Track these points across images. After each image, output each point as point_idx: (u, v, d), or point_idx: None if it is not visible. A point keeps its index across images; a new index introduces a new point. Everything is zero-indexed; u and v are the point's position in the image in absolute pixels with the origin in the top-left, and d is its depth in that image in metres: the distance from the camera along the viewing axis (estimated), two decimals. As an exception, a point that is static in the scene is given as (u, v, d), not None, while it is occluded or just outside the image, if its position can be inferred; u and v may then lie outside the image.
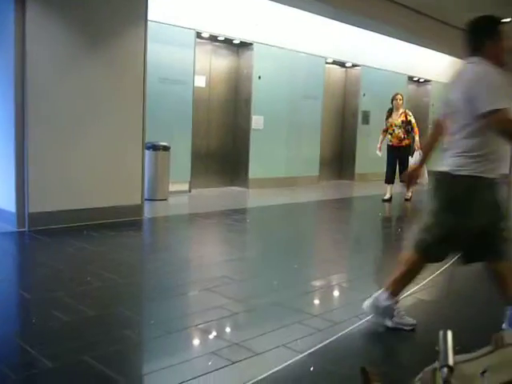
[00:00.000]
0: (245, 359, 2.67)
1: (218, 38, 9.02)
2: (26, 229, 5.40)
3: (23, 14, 5.22)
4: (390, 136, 8.68)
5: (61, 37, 5.50)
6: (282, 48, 9.72)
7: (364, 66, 11.67)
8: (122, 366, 2.67)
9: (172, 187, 7.87)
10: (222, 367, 2.58)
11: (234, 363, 2.63)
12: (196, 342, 3.07)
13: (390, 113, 8.76)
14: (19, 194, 5.38)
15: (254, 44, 9.30)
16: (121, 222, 5.93)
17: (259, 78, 9.45)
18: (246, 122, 9.50)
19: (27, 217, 5.40)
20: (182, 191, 8.32)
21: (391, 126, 8.63)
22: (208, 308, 3.48)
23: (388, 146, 8.80)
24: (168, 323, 3.19)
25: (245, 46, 9.36)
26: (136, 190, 6.22)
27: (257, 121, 9.50)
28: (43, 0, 5.32)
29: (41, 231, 5.33)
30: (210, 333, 3.10)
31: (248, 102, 9.47)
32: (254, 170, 9.53)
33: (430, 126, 13.85)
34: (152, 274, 4.29)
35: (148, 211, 6.51)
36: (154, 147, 7.39)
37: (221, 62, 9.43)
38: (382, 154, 8.83)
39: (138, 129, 6.16)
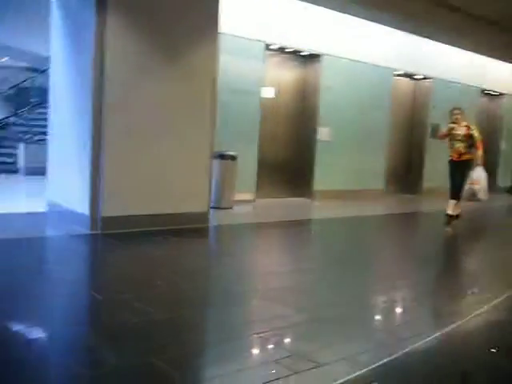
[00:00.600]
0: (308, 370, 2.68)
1: (287, 50, 9.11)
2: (99, 232, 5.63)
3: (103, 27, 5.47)
4: (450, 150, 8.21)
5: (138, 49, 5.73)
6: (350, 59, 9.69)
7: (435, 78, 11.45)
8: (186, 370, 2.74)
9: (237, 196, 7.99)
10: (285, 376, 2.60)
11: (296, 373, 2.64)
12: (258, 349, 3.11)
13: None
14: (93, 199, 5.62)
15: (322, 56, 9.33)
16: (187, 229, 6.07)
17: (328, 89, 9.46)
18: (313, 133, 9.53)
19: (100, 220, 5.63)
20: (246, 200, 8.42)
21: (453, 136, 8.09)
22: (271, 317, 3.51)
23: (449, 160, 8.33)
24: (232, 329, 3.26)
25: (313, 57, 9.41)
26: (203, 197, 6.36)
27: (323, 132, 9.51)
28: (123, 14, 5.57)
29: (112, 234, 5.54)
30: (273, 342, 3.13)
31: (315, 113, 9.49)
32: (319, 182, 9.52)
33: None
34: (217, 281, 4.38)
35: (213, 219, 6.63)
36: (222, 156, 7.54)
37: (289, 74, 9.51)
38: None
39: (207, 138, 6.32)
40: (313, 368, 2.71)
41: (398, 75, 11.05)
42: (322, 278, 4.74)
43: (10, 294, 3.77)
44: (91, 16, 5.49)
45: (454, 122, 8.16)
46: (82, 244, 5.45)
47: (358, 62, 9.85)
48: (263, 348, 3.09)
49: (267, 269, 4.95)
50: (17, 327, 3.18)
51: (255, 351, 3.09)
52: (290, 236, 6.61)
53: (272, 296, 3.93)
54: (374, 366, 2.78)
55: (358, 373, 2.69)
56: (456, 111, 8.19)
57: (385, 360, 2.86)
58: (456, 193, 8.03)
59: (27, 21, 17.55)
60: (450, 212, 8.09)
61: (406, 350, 3.04)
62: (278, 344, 3.10)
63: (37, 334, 3.15)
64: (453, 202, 8.12)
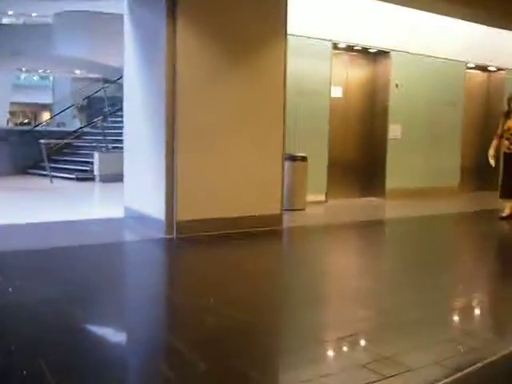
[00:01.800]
0: (398, 374, 2.60)
1: (355, 48, 8.97)
2: (174, 236, 5.72)
3: (174, 34, 5.57)
4: (506, 142, 7.64)
5: (208, 52, 5.80)
6: (420, 54, 9.43)
7: (509, 69, 10.96)
8: (271, 374, 2.72)
9: (309, 197, 7.93)
10: (375, 381, 2.53)
11: (386, 378, 2.57)
12: (343, 353, 3.04)
13: (506, 116, 7.73)
14: (168, 203, 5.72)
15: (391, 52, 9.13)
16: (261, 231, 6.07)
17: (396, 86, 9.26)
18: (383, 132, 9.33)
19: (175, 224, 5.73)
20: (318, 201, 8.35)
21: (508, 130, 7.59)
22: (353, 319, 3.44)
23: (504, 154, 7.80)
24: (314, 332, 3.21)
25: (382, 54, 9.22)
26: (276, 200, 6.35)
27: (394, 130, 9.29)
28: (193, 20, 5.65)
29: (187, 238, 5.62)
30: (358, 345, 3.06)
31: (385, 110, 9.30)
32: (391, 180, 9.31)
33: None
34: (295, 283, 4.34)
35: (286, 221, 6.60)
36: (292, 158, 7.51)
37: (357, 72, 9.36)
38: (495, 162, 7.86)
39: (278, 140, 6.30)
40: (404, 372, 2.62)
41: (470, 68, 10.65)
42: (401, 279, 4.61)
43: (92, 298, 3.88)
44: (162, 24, 5.60)
45: (509, 112, 7.66)
46: (158, 248, 5.56)
47: (429, 56, 9.56)
48: (349, 351, 3.03)
49: (344, 270, 4.87)
50: (102, 331, 3.27)
51: (341, 355, 3.03)
52: (365, 237, 6.49)
53: (352, 298, 3.86)
54: (467, 371, 2.66)
55: (452, 377, 2.59)
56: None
57: (479, 364, 2.73)
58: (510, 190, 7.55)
59: (98, 34, 18.25)
60: (505, 213, 7.58)
61: (500, 354, 2.90)
62: (364, 347, 3.03)
63: (121, 337, 3.22)
64: (507, 201, 7.60)
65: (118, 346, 3.10)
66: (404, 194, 9.31)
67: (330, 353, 3.03)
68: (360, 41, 8.80)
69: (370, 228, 6.80)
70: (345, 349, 3.06)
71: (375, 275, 4.70)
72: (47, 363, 2.62)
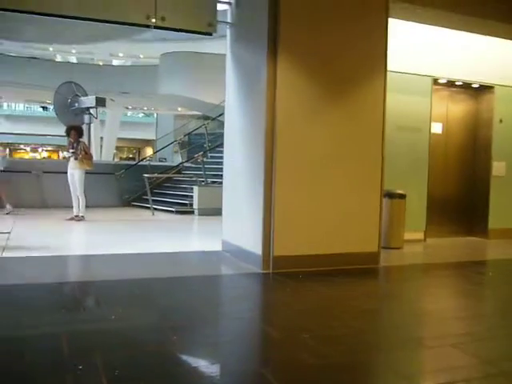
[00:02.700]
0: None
1: (456, 83, 8.76)
2: (270, 271, 5.77)
3: (274, 68, 5.73)
4: None
5: (308, 88, 5.89)
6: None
7: None
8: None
9: (407, 236, 7.73)
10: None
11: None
12: (445, 400, 2.92)
13: None
14: (265, 238, 5.79)
15: (495, 87, 8.82)
16: (357, 269, 5.98)
17: (500, 121, 8.91)
18: (486, 169, 8.96)
19: (272, 260, 5.78)
20: (416, 240, 8.12)
21: None
22: (454, 366, 3.29)
23: None
24: (412, 377, 3.10)
25: (484, 89, 8.93)
26: (373, 237, 6.25)
27: (498, 167, 8.91)
28: (293, 55, 5.79)
29: (283, 273, 5.64)
30: (460, 393, 2.92)
31: (488, 147, 8.95)
32: (495, 220, 8.88)
33: None
34: (392, 324, 4.22)
35: (383, 259, 6.46)
36: (390, 195, 7.39)
37: (458, 108, 9.12)
38: None
39: (377, 176, 6.24)
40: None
41: None
42: (504, 325, 4.35)
43: (188, 330, 3.98)
44: (263, 62, 5.78)
45: None
46: (255, 282, 5.62)
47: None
48: (450, 399, 2.89)
49: (443, 313, 4.66)
50: (196, 363, 3.33)
51: (441, 402, 2.90)
52: (465, 278, 6.20)
53: (451, 343, 3.68)
54: None
55: None
56: None
57: None
58: None
59: (200, 73, 19.06)
60: None
61: None
62: (467, 396, 2.89)
63: (215, 368, 3.27)
64: None
65: (212, 377, 3.15)
66: (508, 234, 8.84)
67: (431, 399, 2.91)
68: (461, 76, 8.58)
69: (472, 268, 6.50)
70: (446, 396, 2.92)
71: (479, 319, 4.47)
72: (149, 390, 2.72)
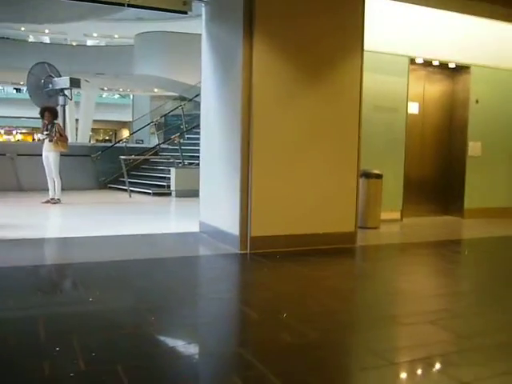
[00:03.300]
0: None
1: (433, 63, 8.79)
2: (248, 251, 5.77)
3: (250, 48, 5.67)
4: None
5: (284, 68, 5.85)
6: (502, 69, 9.11)
7: None
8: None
9: (384, 215, 7.79)
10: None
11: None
12: (422, 376, 2.95)
13: None
14: (243, 219, 5.78)
15: (472, 67, 8.87)
16: (334, 249, 6.02)
17: (477, 101, 8.97)
18: (462, 149, 9.05)
19: (249, 240, 5.78)
20: (393, 219, 8.19)
21: None
22: (430, 342, 3.33)
23: None
24: (390, 354, 3.14)
25: (461, 69, 8.98)
26: (350, 217, 6.28)
27: (474, 147, 9.00)
28: (269, 35, 5.73)
29: (261, 254, 5.65)
30: (436, 368, 2.96)
31: (464, 127, 9.03)
32: (470, 199, 8.99)
33: None
34: (367, 303, 4.27)
35: (360, 239, 6.51)
36: (367, 175, 7.42)
37: (435, 88, 9.16)
38: None
39: (354, 156, 6.25)
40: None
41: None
42: (480, 301, 4.42)
43: (166, 311, 3.97)
44: (239, 42, 5.71)
45: None
46: (232, 263, 5.62)
47: (510, 70, 9.23)
48: (426, 374, 2.93)
49: (419, 291, 4.72)
50: (174, 344, 3.33)
51: (417, 378, 2.94)
52: (441, 256, 6.28)
53: (428, 320, 3.73)
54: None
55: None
56: None
57: None
58: None
59: (176, 54, 18.84)
60: None
61: None
62: (443, 371, 2.93)
63: (194, 351, 3.27)
64: None
65: (190, 357, 3.15)
66: (484, 213, 8.96)
67: (409, 375, 2.94)
68: (438, 56, 8.61)
69: (448, 247, 6.58)
70: (424, 371, 2.96)
71: (455, 296, 4.54)
72: (123, 369, 2.71)
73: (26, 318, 3.65)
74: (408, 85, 8.35)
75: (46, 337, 3.23)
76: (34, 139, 37.39)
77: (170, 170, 12.36)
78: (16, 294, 4.27)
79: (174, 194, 12.03)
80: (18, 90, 39.11)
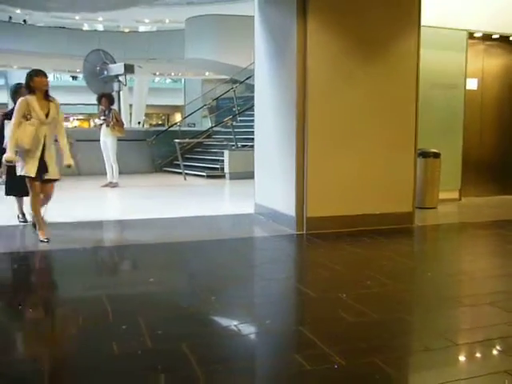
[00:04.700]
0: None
1: (492, 37, 8.48)
2: (304, 232, 5.78)
3: (304, 29, 5.64)
4: None
5: (339, 48, 5.79)
6: None
7: None
8: (408, 372, 2.67)
9: (441, 195, 7.63)
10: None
11: (534, 385, 2.42)
12: (484, 357, 2.90)
13: None
14: (299, 200, 5.79)
15: (533, 39, 8.52)
16: (391, 229, 5.95)
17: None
18: (523, 124, 8.73)
19: (305, 221, 5.78)
20: (451, 199, 8.02)
21: None
22: (492, 323, 3.28)
23: None
24: (451, 335, 3.10)
25: (522, 42, 8.64)
26: (407, 197, 6.19)
27: (536, 123, 8.67)
28: (323, 14, 5.69)
29: (317, 234, 5.66)
30: (499, 350, 2.91)
31: (526, 103, 8.71)
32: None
33: None
34: (427, 283, 4.21)
35: (418, 219, 6.40)
36: (424, 154, 7.28)
37: (494, 62, 8.84)
38: None
39: (411, 135, 6.13)
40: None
41: None
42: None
43: (226, 291, 4.04)
44: (292, 23, 5.68)
45: None
46: (289, 244, 5.65)
47: None
48: (489, 356, 2.88)
49: (479, 272, 4.62)
50: (236, 322, 3.38)
51: (480, 359, 2.89)
52: (502, 236, 6.11)
53: (489, 301, 3.66)
54: None
55: None
56: None
57: None
58: None
59: (227, 36, 18.86)
60: None
61: None
62: (506, 352, 2.87)
63: (254, 329, 3.32)
64: None
65: (252, 335, 3.20)
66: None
67: (470, 356, 2.91)
68: (498, 28, 8.29)
69: (508, 227, 6.38)
70: (485, 353, 2.91)
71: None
72: (188, 348, 2.78)
73: (94, 298, 3.79)
74: (466, 60, 8.09)
75: (113, 316, 3.35)
76: (89, 125, 38.38)
77: (223, 153, 12.45)
78: (82, 274, 4.44)
79: (227, 176, 12.11)
80: (74, 77, 40.09)
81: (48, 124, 5.24)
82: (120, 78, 14.24)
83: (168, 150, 13.74)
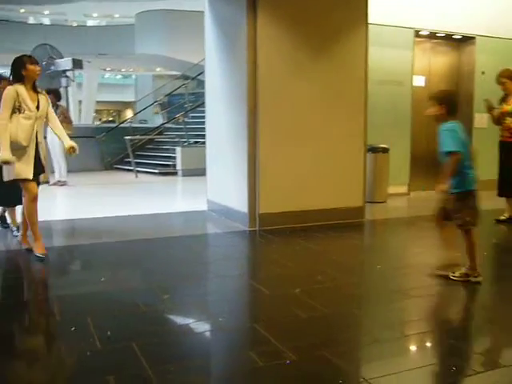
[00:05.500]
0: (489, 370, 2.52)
1: (438, 35, 8.70)
2: (257, 228, 5.80)
3: (254, 24, 5.64)
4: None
5: (289, 43, 5.82)
6: (507, 39, 9.00)
7: None
8: (359, 365, 2.71)
9: (391, 189, 7.80)
10: (468, 376, 2.47)
11: (478, 373, 2.50)
12: (432, 348, 2.98)
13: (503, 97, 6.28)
14: (251, 197, 5.80)
15: (477, 38, 8.78)
16: (342, 224, 6.03)
17: (483, 73, 8.89)
18: (468, 121, 8.99)
19: (258, 217, 5.80)
20: (401, 193, 8.20)
21: (502, 114, 6.14)
22: (439, 314, 3.37)
23: (499, 142, 6.47)
24: (398, 327, 3.17)
25: (466, 40, 8.89)
26: (358, 192, 6.29)
27: (480, 119, 8.94)
28: (273, 10, 5.70)
29: (269, 230, 5.68)
30: (446, 340, 2.99)
31: (470, 99, 8.96)
32: (477, 172, 8.95)
33: None
34: (377, 277, 4.29)
35: (368, 213, 6.52)
36: (374, 149, 7.41)
37: (440, 60, 9.08)
38: None
39: (360, 130, 6.23)
40: (495, 369, 2.54)
41: None
42: (488, 272, 4.45)
43: (179, 289, 4.00)
44: (242, 18, 5.68)
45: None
46: (242, 240, 5.65)
47: (517, 40, 9.12)
48: (437, 347, 2.96)
49: (427, 265, 4.72)
50: (189, 320, 3.37)
51: (429, 349, 2.97)
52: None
53: (436, 292, 3.76)
54: None
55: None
56: (502, 74, 6.31)
57: None
58: (507, 187, 6.40)
59: (178, 32, 18.69)
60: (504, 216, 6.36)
61: None
62: (453, 344, 2.96)
63: (208, 327, 3.31)
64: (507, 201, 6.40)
65: (206, 333, 3.19)
66: (492, 185, 8.91)
67: (419, 347, 2.98)
68: (444, 27, 8.51)
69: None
70: (432, 343, 2.99)
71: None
72: (139, 348, 2.75)
73: (44, 300, 3.68)
74: (413, 58, 8.28)
75: (61, 317, 3.27)
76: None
77: (175, 150, 12.35)
78: (31, 276, 4.31)
79: (180, 173, 12.02)
80: (19, 72, 38.89)
81: (39, 118, 4.60)
82: (68, 74, 13.90)
83: (119, 147, 13.54)
